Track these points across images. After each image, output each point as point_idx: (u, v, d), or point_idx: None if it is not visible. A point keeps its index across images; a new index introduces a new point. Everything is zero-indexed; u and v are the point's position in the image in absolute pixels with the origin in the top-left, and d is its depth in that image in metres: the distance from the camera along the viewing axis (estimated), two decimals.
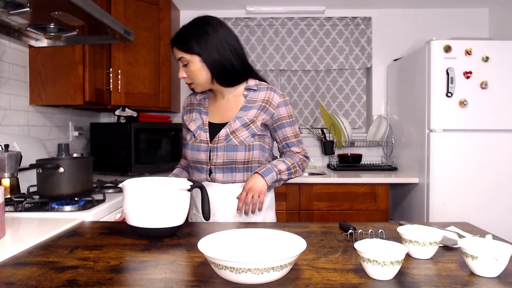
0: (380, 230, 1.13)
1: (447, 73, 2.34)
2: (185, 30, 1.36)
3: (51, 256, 0.95)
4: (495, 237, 1.11)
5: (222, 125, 1.41)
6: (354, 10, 3.19)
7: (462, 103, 2.34)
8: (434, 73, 2.35)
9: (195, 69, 1.35)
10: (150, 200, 1.08)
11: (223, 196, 1.40)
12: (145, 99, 2.59)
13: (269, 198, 1.48)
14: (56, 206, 1.42)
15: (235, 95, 1.44)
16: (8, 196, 1.55)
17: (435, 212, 2.38)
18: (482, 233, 1.16)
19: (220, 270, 0.76)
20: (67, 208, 1.42)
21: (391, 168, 2.92)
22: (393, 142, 3.00)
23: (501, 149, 2.36)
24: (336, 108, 3.25)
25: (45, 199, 1.45)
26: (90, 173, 1.56)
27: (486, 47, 2.34)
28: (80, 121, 2.72)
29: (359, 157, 3.06)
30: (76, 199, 1.48)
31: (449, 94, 2.34)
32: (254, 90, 1.43)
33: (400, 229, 0.98)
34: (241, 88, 1.44)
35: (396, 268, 0.79)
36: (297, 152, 1.46)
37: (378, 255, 0.78)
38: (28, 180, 1.74)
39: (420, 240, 0.92)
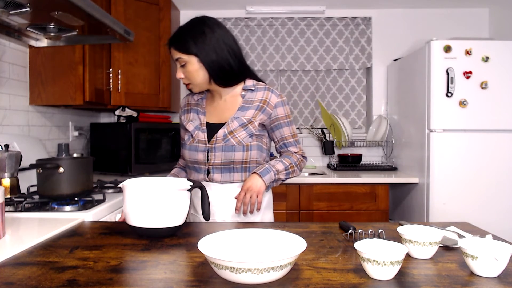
0: (380, 230, 1.13)
1: (447, 73, 2.34)
2: (182, 31, 1.36)
3: (51, 256, 0.95)
4: (495, 237, 1.11)
5: (220, 125, 1.41)
6: (354, 10, 3.19)
7: (462, 103, 2.34)
8: (434, 73, 2.35)
9: (193, 70, 1.35)
10: (150, 200, 1.08)
11: (221, 196, 1.40)
12: (145, 99, 2.59)
13: (267, 198, 1.48)
14: (56, 206, 1.42)
15: (233, 95, 1.44)
16: (8, 196, 1.55)
17: (435, 212, 2.38)
18: (482, 233, 1.16)
19: (220, 270, 0.76)
20: (67, 208, 1.42)
21: (391, 168, 2.92)
22: (393, 142, 3.00)
23: (501, 149, 2.36)
24: (336, 108, 3.25)
25: (45, 199, 1.45)
26: (90, 173, 1.56)
27: (486, 47, 2.34)
28: (80, 121, 2.72)
29: (359, 157, 3.06)
30: (76, 199, 1.48)
31: (449, 94, 2.34)
32: (252, 90, 1.43)
33: (400, 229, 0.98)
34: (238, 88, 1.44)
35: (396, 268, 0.79)
36: (295, 152, 1.46)
37: (378, 255, 0.78)
38: (28, 180, 1.74)
39: (420, 240, 0.92)
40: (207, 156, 1.39)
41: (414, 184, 2.60)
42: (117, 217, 1.62)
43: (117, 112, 2.49)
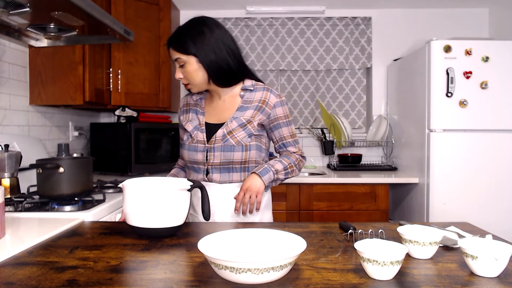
0: (380, 230, 1.13)
1: (447, 73, 2.34)
2: (181, 31, 1.36)
3: (51, 256, 0.95)
4: (495, 237, 1.11)
5: (218, 126, 1.41)
6: (354, 10, 3.19)
7: (462, 103, 2.34)
8: (434, 73, 2.35)
9: (192, 70, 1.35)
10: (150, 200, 1.08)
11: (221, 196, 1.40)
12: (145, 99, 2.59)
13: (266, 198, 1.48)
14: (56, 206, 1.42)
15: (232, 96, 1.44)
16: (8, 196, 1.55)
17: (435, 212, 2.38)
18: (482, 233, 1.16)
19: (220, 270, 0.76)
20: (67, 208, 1.42)
21: (391, 168, 2.92)
22: (393, 142, 3.00)
23: (501, 149, 2.36)
24: (336, 108, 3.25)
25: (45, 199, 1.45)
26: (90, 173, 1.56)
27: (486, 47, 2.34)
28: (80, 121, 2.72)
29: (359, 157, 3.06)
30: (76, 199, 1.48)
31: (449, 94, 2.34)
32: (251, 90, 1.43)
33: (400, 229, 0.98)
34: (237, 88, 1.44)
35: (396, 268, 0.79)
36: (294, 152, 1.47)
37: (378, 255, 0.78)
38: (28, 180, 1.74)
39: (420, 240, 0.92)
40: (206, 156, 1.39)
41: (414, 184, 2.61)
42: (117, 217, 1.62)
43: (117, 112, 2.49)
